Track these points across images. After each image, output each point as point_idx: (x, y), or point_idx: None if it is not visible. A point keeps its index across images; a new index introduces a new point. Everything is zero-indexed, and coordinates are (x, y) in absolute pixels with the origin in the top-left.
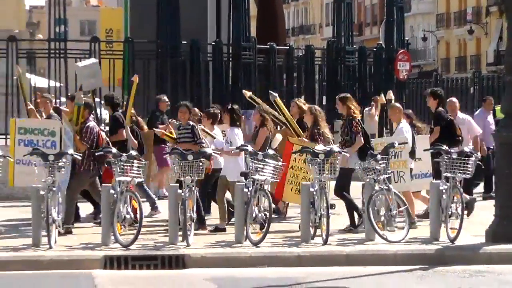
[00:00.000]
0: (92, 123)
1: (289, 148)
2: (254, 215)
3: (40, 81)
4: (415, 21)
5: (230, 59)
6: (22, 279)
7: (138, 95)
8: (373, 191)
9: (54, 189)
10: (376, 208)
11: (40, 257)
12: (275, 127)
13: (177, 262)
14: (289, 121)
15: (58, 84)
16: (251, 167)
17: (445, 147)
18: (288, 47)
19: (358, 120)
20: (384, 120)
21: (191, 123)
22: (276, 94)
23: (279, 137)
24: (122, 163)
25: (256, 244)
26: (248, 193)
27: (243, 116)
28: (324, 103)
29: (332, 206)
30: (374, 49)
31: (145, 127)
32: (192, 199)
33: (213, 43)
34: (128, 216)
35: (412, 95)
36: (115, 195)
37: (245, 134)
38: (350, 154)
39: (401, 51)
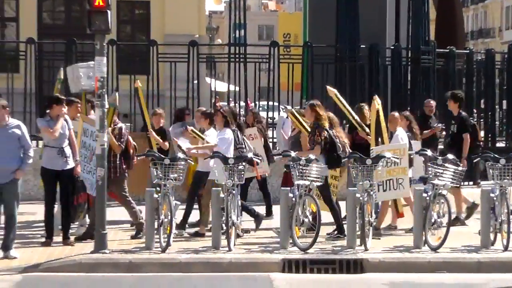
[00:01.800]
0: (122, 125)
1: None
2: (433, 220)
3: (219, 85)
4: None
5: (409, 63)
6: (203, 280)
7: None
8: None
9: (234, 192)
10: None
11: (220, 259)
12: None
13: (355, 266)
14: (306, 129)
15: (237, 88)
16: (430, 172)
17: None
18: (468, 51)
19: (324, 128)
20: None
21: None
22: (290, 107)
23: None
24: (301, 167)
25: (435, 249)
26: (427, 198)
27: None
28: (504, 107)
29: None
30: None
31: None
32: (370, 204)
33: (392, 47)
34: (306, 220)
35: None
36: (293, 199)
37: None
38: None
39: None
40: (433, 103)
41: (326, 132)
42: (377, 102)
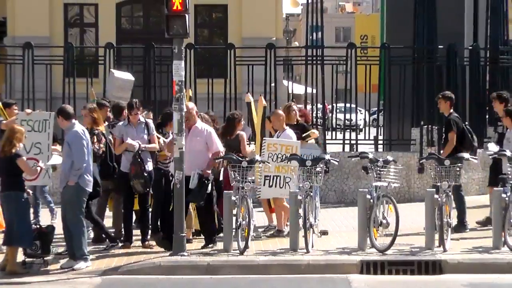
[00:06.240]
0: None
1: None
2: None
3: (296, 88)
4: None
5: (488, 63)
6: (281, 282)
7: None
8: None
9: (311, 194)
10: None
11: (298, 261)
12: None
13: (433, 267)
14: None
15: (314, 91)
16: (510, 172)
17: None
18: None
19: (101, 134)
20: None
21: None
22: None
23: None
24: (378, 168)
25: None
26: (507, 198)
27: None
28: None
29: None
30: None
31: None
32: (448, 205)
33: (470, 47)
34: (384, 221)
35: None
36: (371, 200)
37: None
38: None
39: None
40: None
41: (104, 140)
42: (263, 100)
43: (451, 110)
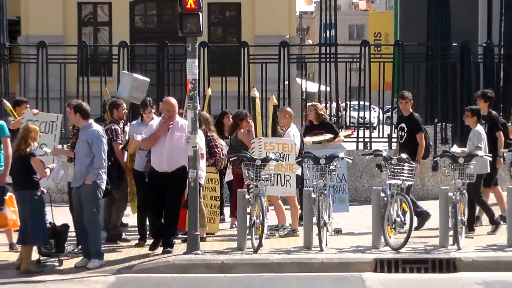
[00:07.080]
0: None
1: None
2: None
3: (310, 86)
4: None
5: (502, 60)
6: (295, 280)
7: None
8: None
9: (325, 192)
10: None
11: (312, 260)
12: None
13: (447, 265)
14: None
15: (328, 88)
16: None
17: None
18: None
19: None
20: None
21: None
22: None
23: None
24: (392, 166)
25: None
26: None
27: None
28: None
29: None
30: None
31: None
32: (463, 203)
33: (484, 44)
34: (398, 219)
35: None
36: (385, 198)
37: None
38: None
39: None
40: None
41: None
42: (274, 98)
43: (411, 110)
